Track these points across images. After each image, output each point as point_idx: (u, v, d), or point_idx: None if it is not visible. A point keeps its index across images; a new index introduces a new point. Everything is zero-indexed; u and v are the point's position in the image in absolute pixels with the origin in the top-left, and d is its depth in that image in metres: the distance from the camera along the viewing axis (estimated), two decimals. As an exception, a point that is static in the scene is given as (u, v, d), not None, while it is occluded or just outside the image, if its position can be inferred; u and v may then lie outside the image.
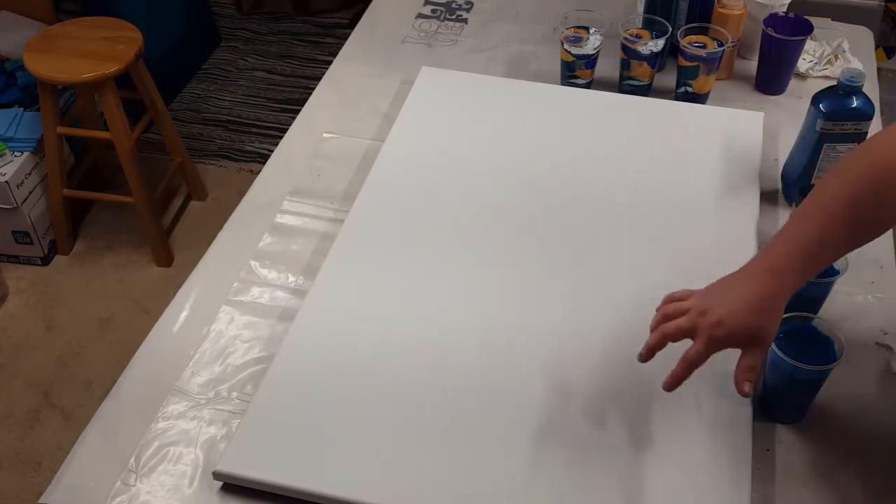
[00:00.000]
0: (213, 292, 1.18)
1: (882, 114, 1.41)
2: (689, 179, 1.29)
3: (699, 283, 1.13)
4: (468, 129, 1.39)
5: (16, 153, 2.19)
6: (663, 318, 0.92)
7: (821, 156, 1.20)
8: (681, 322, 0.90)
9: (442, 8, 1.74)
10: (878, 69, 1.66)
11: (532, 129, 1.38)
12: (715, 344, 0.87)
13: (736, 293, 0.88)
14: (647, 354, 0.91)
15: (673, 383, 0.89)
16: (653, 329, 0.92)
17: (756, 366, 0.88)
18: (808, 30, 1.43)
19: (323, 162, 1.38)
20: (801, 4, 1.48)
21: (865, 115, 1.17)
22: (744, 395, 0.88)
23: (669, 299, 0.95)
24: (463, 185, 1.29)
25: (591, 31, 1.45)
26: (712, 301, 0.89)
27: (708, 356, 0.88)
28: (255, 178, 1.37)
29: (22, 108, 2.29)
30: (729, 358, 1.04)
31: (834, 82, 1.24)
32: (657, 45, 1.42)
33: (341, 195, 1.32)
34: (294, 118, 1.48)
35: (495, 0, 1.76)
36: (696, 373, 1.02)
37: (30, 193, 2.22)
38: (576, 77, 1.49)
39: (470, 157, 1.33)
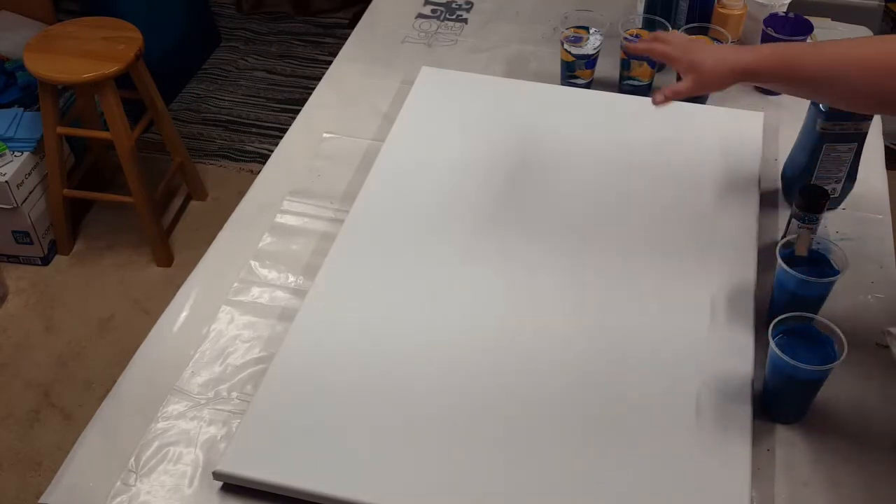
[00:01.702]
0: (213, 292, 1.18)
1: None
2: (689, 179, 1.28)
3: (699, 283, 1.14)
4: (468, 128, 1.39)
5: (16, 153, 2.19)
6: (653, 38, 1.13)
7: (821, 156, 1.20)
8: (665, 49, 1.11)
9: (442, 8, 1.74)
10: (878, 69, 1.66)
11: (532, 129, 1.38)
12: (669, 43, 1.10)
13: (721, 53, 1.04)
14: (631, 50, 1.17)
15: (661, 98, 1.10)
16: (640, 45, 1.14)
17: (683, 92, 1.07)
18: (808, 30, 1.43)
19: (323, 162, 1.38)
20: (801, 4, 1.48)
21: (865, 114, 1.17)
22: (654, 102, 1.10)
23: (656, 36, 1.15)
24: (463, 184, 1.29)
25: (591, 31, 1.46)
26: (698, 48, 1.07)
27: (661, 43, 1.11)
28: (255, 178, 1.37)
29: (22, 108, 2.29)
30: (728, 358, 1.04)
31: (834, 82, 1.24)
32: (657, 45, 1.42)
33: (341, 195, 1.32)
34: (294, 118, 1.48)
35: (495, 0, 1.76)
36: (695, 373, 1.02)
37: (30, 193, 2.22)
38: (576, 77, 1.49)
39: (470, 157, 1.33)
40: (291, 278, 1.20)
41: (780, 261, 1.04)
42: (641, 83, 1.47)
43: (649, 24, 1.45)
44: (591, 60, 1.47)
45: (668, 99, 1.09)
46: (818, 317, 0.99)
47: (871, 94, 0.96)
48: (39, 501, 0.96)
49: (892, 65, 0.92)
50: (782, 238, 1.14)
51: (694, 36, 1.42)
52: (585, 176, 1.30)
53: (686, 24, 1.47)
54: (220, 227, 1.28)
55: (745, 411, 0.99)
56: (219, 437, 1.01)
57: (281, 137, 1.45)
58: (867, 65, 0.94)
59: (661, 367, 1.04)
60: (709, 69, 1.03)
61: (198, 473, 0.98)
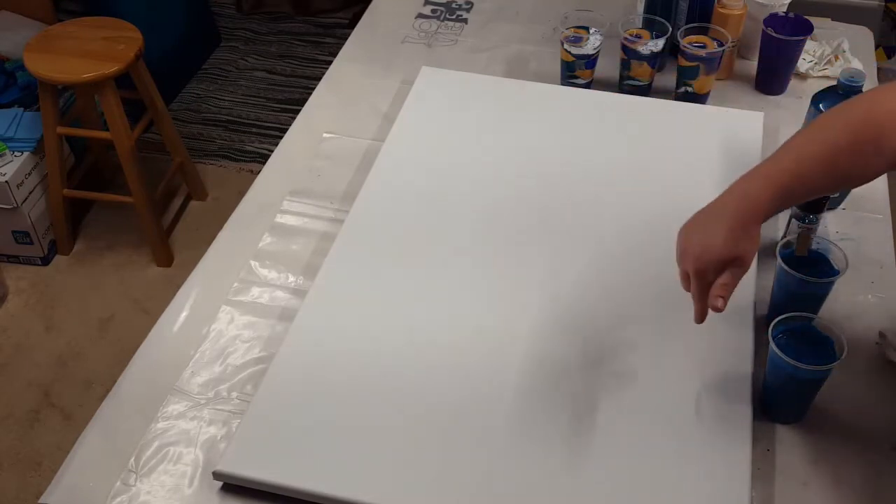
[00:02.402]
0: (213, 292, 1.18)
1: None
2: (689, 179, 1.28)
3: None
4: (468, 128, 1.39)
5: (16, 153, 2.19)
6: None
7: (821, 156, 1.19)
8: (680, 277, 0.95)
9: (442, 8, 1.74)
10: (878, 69, 1.66)
11: (532, 129, 1.38)
12: (702, 277, 0.91)
13: (712, 227, 0.91)
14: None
15: (699, 316, 0.93)
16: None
17: (731, 284, 0.91)
18: (808, 30, 1.43)
19: (323, 162, 1.38)
20: (801, 4, 1.48)
21: (865, 115, 1.17)
22: (716, 310, 0.91)
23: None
24: (463, 184, 1.29)
25: (591, 31, 1.45)
26: (692, 241, 0.93)
27: (703, 287, 0.92)
28: (255, 178, 1.37)
29: (22, 108, 2.29)
30: (728, 358, 1.04)
31: (834, 82, 1.24)
32: (657, 45, 1.42)
33: (341, 195, 1.32)
34: (294, 118, 1.48)
35: (495, 0, 1.76)
36: (696, 373, 1.02)
37: (30, 193, 2.22)
38: (576, 77, 1.49)
39: (470, 157, 1.33)
40: (291, 278, 1.20)
41: (780, 261, 1.04)
42: (641, 83, 1.47)
43: (649, 24, 1.45)
44: (591, 60, 1.47)
45: (726, 299, 0.91)
46: (818, 317, 0.99)
47: (871, 166, 0.90)
48: (39, 501, 0.96)
49: (853, 141, 0.88)
50: (782, 238, 1.14)
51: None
52: (585, 176, 1.30)
53: (686, 24, 1.47)
54: (220, 227, 1.28)
55: (745, 411, 0.99)
56: (219, 437, 1.01)
57: (281, 137, 1.45)
58: (842, 146, 0.88)
59: (661, 366, 1.04)
60: (722, 252, 0.90)
61: (198, 473, 0.98)
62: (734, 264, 0.91)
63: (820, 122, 0.93)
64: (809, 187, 0.92)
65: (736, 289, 1.11)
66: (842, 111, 0.92)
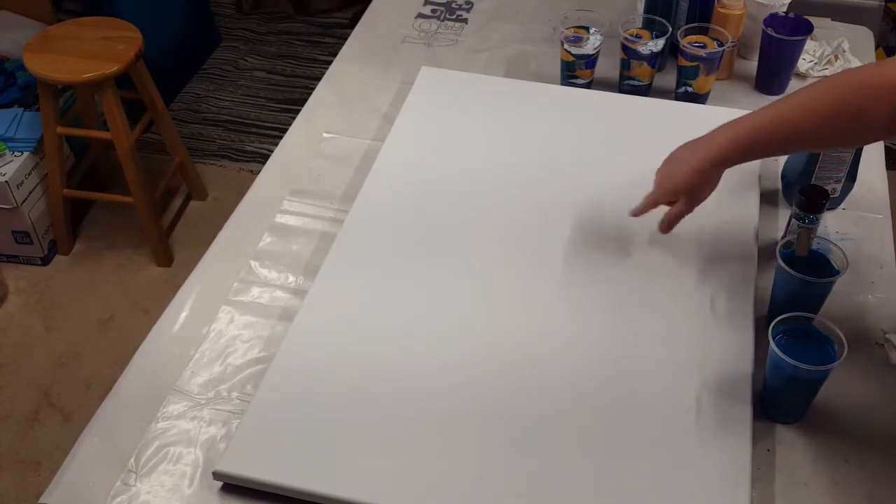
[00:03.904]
0: (213, 292, 1.18)
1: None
2: (689, 179, 1.28)
3: (699, 283, 1.14)
4: (468, 128, 1.39)
5: (16, 153, 2.19)
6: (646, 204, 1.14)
7: (821, 156, 1.20)
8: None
9: (442, 8, 1.74)
10: (878, 69, 1.66)
11: (532, 129, 1.38)
12: (661, 196, 1.11)
13: (680, 163, 1.08)
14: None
15: (637, 212, 1.13)
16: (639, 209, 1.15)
17: (680, 213, 1.10)
18: (808, 30, 1.43)
19: (323, 162, 1.38)
20: (801, 4, 1.48)
21: (865, 115, 1.17)
22: (661, 231, 1.12)
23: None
24: (463, 184, 1.29)
25: (591, 31, 1.45)
26: (664, 168, 1.11)
27: (654, 202, 1.12)
28: (255, 178, 1.37)
29: (22, 108, 2.29)
30: (728, 358, 1.04)
31: (834, 82, 1.24)
32: (657, 45, 1.42)
33: (341, 195, 1.32)
34: (294, 118, 1.48)
35: (495, 0, 1.76)
36: (696, 373, 1.02)
37: (30, 193, 2.22)
38: (576, 77, 1.49)
39: (469, 157, 1.33)
40: (291, 278, 1.20)
41: (780, 261, 1.04)
42: (641, 83, 1.47)
43: (649, 24, 1.45)
44: (591, 60, 1.47)
45: (671, 226, 1.11)
46: (818, 317, 0.99)
47: (836, 135, 0.99)
48: (39, 501, 0.96)
49: (873, 83, 0.94)
50: (782, 238, 1.14)
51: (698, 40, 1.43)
52: (585, 176, 1.30)
53: (686, 24, 1.47)
54: (220, 227, 1.28)
55: (745, 411, 0.99)
56: (219, 437, 1.01)
57: (281, 137, 1.45)
58: (818, 109, 0.97)
59: (661, 366, 1.04)
60: (686, 185, 1.07)
61: (198, 473, 0.98)
62: (688, 196, 1.08)
63: (808, 87, 0.99)
64: (778, 145, 1.04)
65: (736, 289, 1.12)
66: (832, 79, 0.98)
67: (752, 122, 1.02)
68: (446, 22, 1.71)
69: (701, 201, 1.10)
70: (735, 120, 1.04)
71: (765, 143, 1.02)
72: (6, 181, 2.12)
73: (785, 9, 1.46)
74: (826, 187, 1.15)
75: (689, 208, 1.10)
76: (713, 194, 1.28)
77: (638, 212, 1.13)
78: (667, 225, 1.12)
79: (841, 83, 0.96)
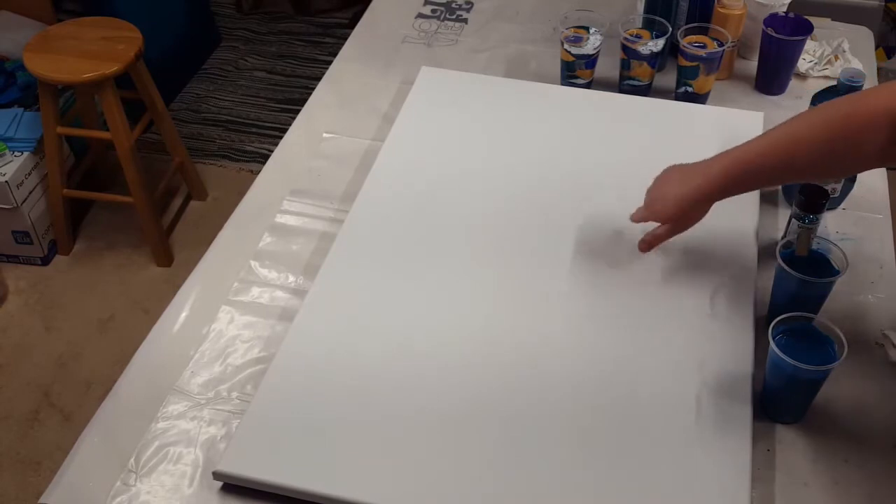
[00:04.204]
0: (213, 292, 1.18)
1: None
2: (689, 179, 1.28)
3: (699, 283, 1.14)
4: (468, 128, 1.39)
5: (16, 153, 2.19)
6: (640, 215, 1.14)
7: (821, 156, 1.19)
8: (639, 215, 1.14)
9: (442, 8, 1.74)
10: (878, 69, 1.66)
11: (532, 129, 1.38)
12: (648, 217, 1.11)
13: (672, 189, 1.07)
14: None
15: (645, 246, 1.14)
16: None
17: (662, 236, 1.11)
18: (808, 30, 1.43)
19: (323, 162, 1.38)
20: (801, 4, 1.48)
21: (865, 115, 1.17)
22: (640, 250, 1.14)
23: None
24: (463, 184, 1.29)
25: (591, 31, 1.45)
26: (655, 191, 1.11)
27: (644, 218, 1.12)
28: (255, 178, 1.37)
29: (22, 108, 2.29)
30: (728, 358, 1.04)
31: (834, 82, 1.24)
32: (657, 45, 1.42)
33: (341, 195, 1.32)
34: (294, 118, 1.48)
35: (495, 0, 1.76)
36: (696, 373, 1.02)
37: (30, 193, 2.22)
38: (576, 77, 1.49)
39: (469, 157, 1.33)
40: (291, 278, 1.20)
41: (780, 261, 1.04)
42: (641, 83, 1.47)
43: (649, 24, 1.45)
44: (591, 60, 1.47)
45: (651, 245, 1.13)
46: (818, 317, 0.99)
47: (830, 165, 0.99)
48: (39, 501, 0.96)
49: (827, 136, 0.94)
50: (782, 238, 1.14)
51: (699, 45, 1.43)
52: (585, 176, 1.30)
53: (686, 24, 1.47)
54: (220, 227, 1.28)
55: (745, 411, 0.99)
56: (219, 437, 1.01)
57: (281, 137, 1.45)
58: (812, 139, 0.96)
59: (661, 366, 1.04)
60: (672, 214, 1.08)
61: (198, 473, 0.98)
62: (674, 223, 1.09)
63: (799, 118, 0.99)
64: (770, 177, 1.06)
65: (736, 289, 1.12)
66: (823, 109, 0.97)
67: (745, 154, 1.01)
68: (446, 22, 1.71)
69: (685, 230, 1.10)
70: (731, 150, 1.03)
71: (758, 173, 1.02)
72: (6, 181, 2.12)
73: (785, 9, 1.46)
74: (826, 187, 1.15)
75: (671, 234, 1.11)
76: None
77: (634, 219, 1.14)
78: (647, 245, 1.13)
79: (833, 113, 0.95)
